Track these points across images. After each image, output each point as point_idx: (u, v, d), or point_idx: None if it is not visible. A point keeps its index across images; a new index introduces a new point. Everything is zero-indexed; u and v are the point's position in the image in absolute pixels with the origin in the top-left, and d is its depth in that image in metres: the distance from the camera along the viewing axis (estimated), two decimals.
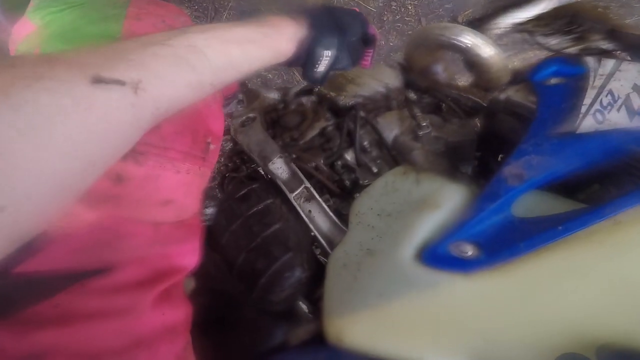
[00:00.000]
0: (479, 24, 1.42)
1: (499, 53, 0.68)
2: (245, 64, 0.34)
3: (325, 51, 0.41)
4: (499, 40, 1.25)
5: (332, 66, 0.43)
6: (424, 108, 0.73)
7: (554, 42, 1.13)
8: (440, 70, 0.81)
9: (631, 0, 1.00)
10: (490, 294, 0.37)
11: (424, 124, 0.60)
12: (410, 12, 1.26)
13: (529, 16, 1.19)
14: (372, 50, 0.50)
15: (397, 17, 1.26)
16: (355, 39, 0.44)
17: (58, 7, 0.47)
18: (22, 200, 0.19)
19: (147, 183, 0.35)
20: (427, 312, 0.38)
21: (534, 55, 1.24)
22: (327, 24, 0.41)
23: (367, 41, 0.49)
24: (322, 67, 0.42)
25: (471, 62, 0.69)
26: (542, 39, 1.17)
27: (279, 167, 0.55)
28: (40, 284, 0.30)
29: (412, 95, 0.74)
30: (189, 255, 0.40)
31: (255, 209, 0.48)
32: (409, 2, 1.27)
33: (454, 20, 1.33)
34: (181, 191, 0.39)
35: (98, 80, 0.21)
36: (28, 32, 0.46)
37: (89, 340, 0.31)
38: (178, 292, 0.39)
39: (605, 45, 0.96)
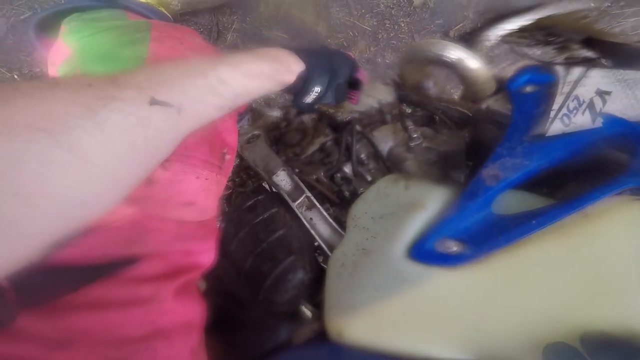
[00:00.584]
0: (469, 37, 1.48)
1: (483, 66, 0.73)
2: (257, 92, 0.40)
3: (315, 87, 0.48)
4: (490, 52, 1.30)
5: (317, 100, 0.49)
6: (417, 121, 0.77)
7: (538, 52, 1.17)
8: (431, 85, 0.86)
9: (610, 8, 1.05)
10: (474, 285, 0.40)
11: (415, 135, 0.64)
12: (403, 30, 1.32)
13: (513, 28, 1.24)
14: (359, 92, 0.58)
15: (392, 34, 1.32)
16: (342, 81, 0.51)
17: (90, 31, 0.53)
18: (97, 198, 0.24)
19: (172, 186, 0.41)
20: (419, 305, 0.42)
21: (525, 64, 1.28)
22: (321, 65, 0.48)
23: (356, 84, 0.56)
24: (309, 99, 0.49)
25: (459, 75, 0.74)
26: (527, 50, 1.22)
27: (283, 180, 0.60)
28: (78, 273, 0.34)
29: (406, 109, 0.78)
30: (207, 253, 0.45)
31: (261, 217, 0.52)
32: (402, 20, 1.33)
33: (446, 35, 1.38)
34: (202, 195, 0.44)
35: (154, 103, 0.27)
36: (66, 55, 0.52)
37: (114, 328, 0.35)
38: (195, 290, 0.43)
39: (586, 53, 1.00)
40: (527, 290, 0.39)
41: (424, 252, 0.43)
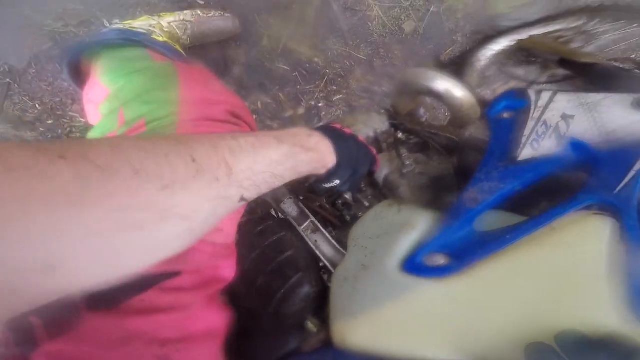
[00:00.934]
0: (459, 60, 1.56)
1: (468, 93, 0.79)
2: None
3: (336, 180, 0.52)
4: (482, 74, 1.37)
5: (332, 189, 0.54)
6: (412, 148, 0.83)
7: (521, 72, 1.24)
8: (423, 113, 0.93)
9: (584, 26, 1.11)
10: (459, 293, 0.46)
11: (408, 162, 0.71)
12: (397, 57, 1.40)
13: (500, 48, 1.31)
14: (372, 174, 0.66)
15: (386, 62, 1.40)
16: (360, 176, 0.56)
17: (123, 71, 0.61)
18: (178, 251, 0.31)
19: None
20: (412, 312, 0.47)
21: (514, 86, 1.37)
22: (347, 162, 0.53)
23: (370, 172, 0.64)
24: (326, 187, 0.53)
25: (446, 103, 0.80)
26: (514, 70, 1.29)
27: (289, 207, 0.66)
28: (135, 283, 0.40)
29: (401, 137, 0.85)
30: (229, 269, 0.52)
31: (271, 240, 0.59)
32: (395, 47, 1.41)
33: (437, 59, 1.46)
34: (228, 223, 0.51)
35: (242, 200, 0.35)
36: (105, 94, 0.59)
37: (160, 329, 0.42)
38: (219, 301, 0.50)
39: (564, 72, 1.07)
40: (505, 296, 0.44)
41: (415, 265, 0.49)
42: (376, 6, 1.47)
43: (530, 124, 0.54)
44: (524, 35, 1.26)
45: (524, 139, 0.52)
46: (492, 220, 0.49)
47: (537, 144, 0.51)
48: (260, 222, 0.64)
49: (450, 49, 1.48)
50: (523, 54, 1.28)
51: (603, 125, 0.50)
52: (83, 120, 1.44)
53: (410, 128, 0.84)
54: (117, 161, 0.26)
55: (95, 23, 1.46)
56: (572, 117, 0.52)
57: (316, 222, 0.62)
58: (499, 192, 0.48)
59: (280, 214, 0.67)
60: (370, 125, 0.85)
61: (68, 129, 1.44)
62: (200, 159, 0.31)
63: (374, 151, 0.63)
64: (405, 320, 0.48)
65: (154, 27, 1.08)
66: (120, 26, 0.99)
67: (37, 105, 1.46)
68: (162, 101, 0.55)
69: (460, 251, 0.47)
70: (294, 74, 1.41)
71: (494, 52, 1.30)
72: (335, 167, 0.51)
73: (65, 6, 1.48)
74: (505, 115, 0.60)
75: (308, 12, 1.48)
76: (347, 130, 0.59)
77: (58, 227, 0.23)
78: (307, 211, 0.64)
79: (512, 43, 1.28)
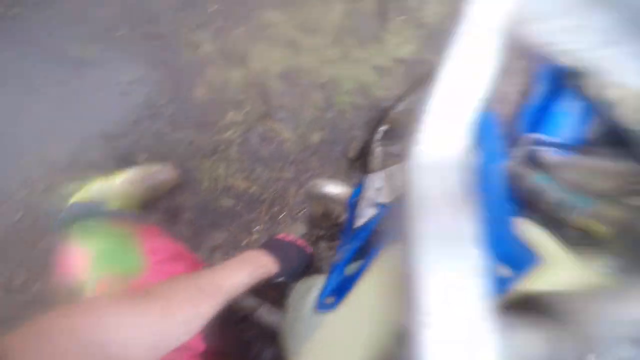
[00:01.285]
0: (363, 151, 1.93)
1: (345, 188, 1.18)
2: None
3: (281, 277, 0.91)
4: (384, 158, 1.71)
5: (280, 282, 0.92)
6: (331, 237, 1.19)
7: (395, 148, 1.62)
8: (330, 210, 1.29)
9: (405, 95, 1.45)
10: (341, 318, 0.78)
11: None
12: (315, 167, 1.69)
13: (380, 132, 1.68)
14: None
15: (309, 174, 1.67)
16: (299, 270, 0.96)
17: (96, 239, 0.93)
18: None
19: None
20: (326, 338, 0.79)
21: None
22: (288, 264, 0.92)
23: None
24: (276, 282, 0.91)
25: (335, 200, 1.18)
26: (393, 149, 1.67)
27: (247, 300, 1.00)
28: None
29: (320, 232, 1.21)
30: (196, 340, 0.81)
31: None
32: (310, 159, 1.69)
33: (346, 155, 1.81)
34: None
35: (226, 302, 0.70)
36: (88, 258, 0.89)
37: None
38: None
39: None
40: (365, 312, 0.75)
41: (320, 306, 0.82)
42: (284, 130, 1.77)
43: (362, 201, 0.92)
44: (387, 114, 1.63)
45: (359, 214, 0.90)
46: (351, 267, 0.85)
47: (364, 213, 0.89)
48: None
49: (354, 144, 1.74)
50: (394, 132, 1.63)
51: (393, 188, 0.88)
52: (64, 281, 1.53)
53: (323, 226, 1.21)
54: (173, 296, 0.61)
55: (57, 188, 1.57)
56: (381, 188, 0.90)
57: (267, 305, 0.96)
58: (350, 251, 0.85)
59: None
60: (297, 232, 1.21)
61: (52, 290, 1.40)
62: (205, 287, 0.66)
63: (310, 249, 1.00)
64: (324, 345, 0.79)
65: (109, 190, 1.34)
66: (82, 199, 1.28)
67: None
68: (130, 256, 0.89)
69: (338, 290, 0.82)
70: (238, 207, 1.64)
71: (380, 136, 1.68)
72: (279, 270, 0.88)
73: (29, 175, 1.61)
74: (355, 199, 0.99)
75: (232, 150, 1.74)
76: (288, 238, 0.97)
77: (155, 327, 0.55)
78: (259, 299, 0.98)
79: (387, 124, 1.66)
